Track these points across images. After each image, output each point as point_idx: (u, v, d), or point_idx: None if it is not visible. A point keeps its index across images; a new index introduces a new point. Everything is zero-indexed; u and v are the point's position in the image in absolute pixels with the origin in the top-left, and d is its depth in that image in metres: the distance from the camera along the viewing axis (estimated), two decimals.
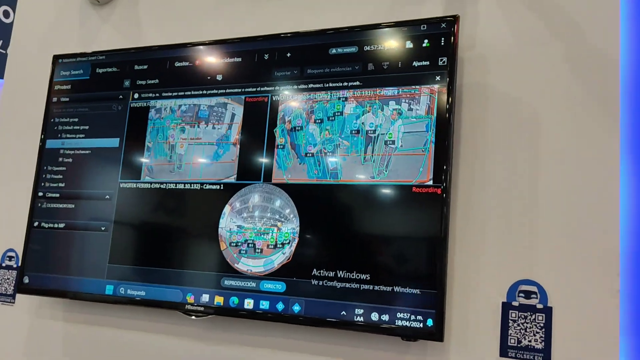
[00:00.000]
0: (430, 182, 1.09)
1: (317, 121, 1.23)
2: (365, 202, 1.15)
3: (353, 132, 1.19)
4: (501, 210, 1.14)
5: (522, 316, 1.06)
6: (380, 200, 1.14)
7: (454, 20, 1.14)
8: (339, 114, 1.21)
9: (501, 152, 1.16)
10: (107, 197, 1.40)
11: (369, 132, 1.18)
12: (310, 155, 1.22)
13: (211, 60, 1.37)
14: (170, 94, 1.41)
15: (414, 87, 1.16)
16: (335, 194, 1.18)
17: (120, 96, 1.45)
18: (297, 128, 1.25)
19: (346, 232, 1.15)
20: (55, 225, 1.44)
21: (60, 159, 1.48)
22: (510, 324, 1.06)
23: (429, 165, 1.10)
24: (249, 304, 1.20)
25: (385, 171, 1.14)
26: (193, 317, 1.27)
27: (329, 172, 1.19)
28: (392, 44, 1.19)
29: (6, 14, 1.85)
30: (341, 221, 1.16)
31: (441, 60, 1.15)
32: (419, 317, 1.06)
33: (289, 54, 1.29)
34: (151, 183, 1.37)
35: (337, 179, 1.18)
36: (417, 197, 1.10)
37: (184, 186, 1.33)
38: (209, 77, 1.37)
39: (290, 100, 1.27)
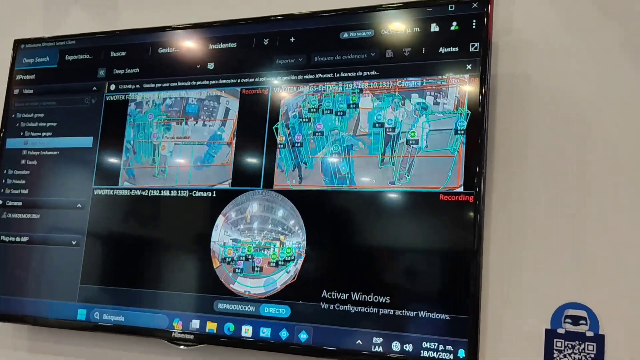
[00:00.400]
0: (461, 189, 1.09)
1: (326, 117, 1.22)
2: (383, 212, 1.14)
3: (369, 129, 1.18)
4: (544, 222, 1.13)
5: (569, 346, 1.05)
6: (401, 209, 1.13)
7: None
8: (353, 106, 1.20)
9: (544, 154, 1.15)
10: (79, 205, 1.39)
11: (388, 129, 1.17)
12: (319, 156, 1.21)
13: (201, 46, 1.37)
14: (152, 85, 1.40)
15: (440, 77, 1.15)
16: (347, 202, 1.17)
17: (94, 88, 1.44)
18: (302, 125, 1.24)
19: (361, 247, 1.15)
20: (18, 239, 1.42)
21: (23, 161, 1.46)
22: (555, 355, 1.06)
23: (459, 168, 1.09)
24: (247, 331, 1.19)
25: (407, 176, 1.13)
26: (181, 346, 1.25)
27: (341, 176, 1.18)
28: (414, 27, 1.19)
29: None
30: (355, 234, 1.16)
31: (472, 46, 1.14)
32: (449, 347, 1.05)
33: (292, 39, 1.28)
34: (131, 189, 1.36)
35: (349, 185, 1.18)
36: (445, 206, 1.09)
37: (170, 193, 1.32)
38: (198, 66, 1.36)
39: (295, 92, 1.26)
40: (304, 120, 1.25)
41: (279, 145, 1.23)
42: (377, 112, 1.19)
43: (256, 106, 1.29)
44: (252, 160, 1.27)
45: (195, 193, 1.30)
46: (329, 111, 1.23)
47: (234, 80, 1.32)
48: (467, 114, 1.11)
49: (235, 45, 1.33)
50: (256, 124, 1.28)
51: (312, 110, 1.24)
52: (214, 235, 1.26)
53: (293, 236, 1.19)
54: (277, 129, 1.25)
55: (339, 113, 1.22)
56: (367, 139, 1.18)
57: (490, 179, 1.15)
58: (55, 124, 1.45)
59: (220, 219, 1.26)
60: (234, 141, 1.29)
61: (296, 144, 1.24)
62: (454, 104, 1.13)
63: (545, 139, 1.16)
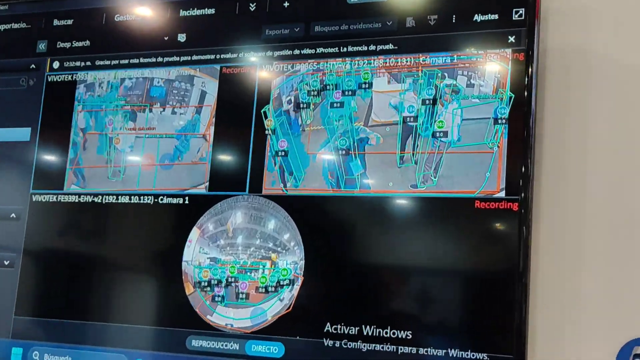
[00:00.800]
0: (502, 194, 1.06)
1: (330, 103, 1.20)
2: (403, 223, 1.12)
3: (384, 119, 1.16)
4: (608, 236, 1.09)
5: None
6: (425, 220, 1.11)
7: None
8: (365, 87, 1.17)
9: (607, 150, 1.11)
10: (13, 215, 1.35)
11: (409, 119, 1.14)
12: (321, 152, 1.19)
13: (169, 13, 1.33)
14: (107, 62, 1.36)
15: (475, 52, 1.12)
16: (358, 211, 1.15)
17: (32, 65, 1.40)
18: (299, 113, 1.22)
19: (375, 268, 1.13)
20: None
21: None
22: None
23: (500, 168, 1.06)
24: None
25: (433, 177, 1.11)
26: None
27: (350, 178, 1.16)
28: None
29: None
30: (367, 252, 1.14)
31: (516, 13, 1.10)
32: None
33: (286, 3, 1.25)
34: (80, 195, 1.32)
35: (360, 189, 1.15)
36: (482, 215, 1.06)
37: (130, 199, 1.29)
38: (166, 38, 1.33)
39: (290, 71, 1.23)
40: (303, 105, 1.21)
41: (267, 132, 1.21)
42: (395, 96, 1.16)
43: (240, 89, 1.26)
44: (235, 158, 1.25)
45: (162, 200, 1.27)
46: (334, 95, 1.20)
47: (212, 56, 1.29)
48: (510, 99, 1.08)
49: (214, 12, 1.30)
50: (240, 111, 1.25)
51: (312, 93, 1.21)
52: (186, 253, 1.23)
53: (288, 254, 1.16)
54: (268, 116, 1.22)
55: (348, 97, 1.19)
56: (383, 130, 1.15)
57: (539, 181, 1.11)
58: None
59: (195, 233, 1.23)
60: (212, 133, 1.26)
61: (293, 136, 1.20)
62: (493, 86, 1.10)
63: (609, 130, 1.12)
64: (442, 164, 1.11)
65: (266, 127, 1.21)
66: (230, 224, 1.21)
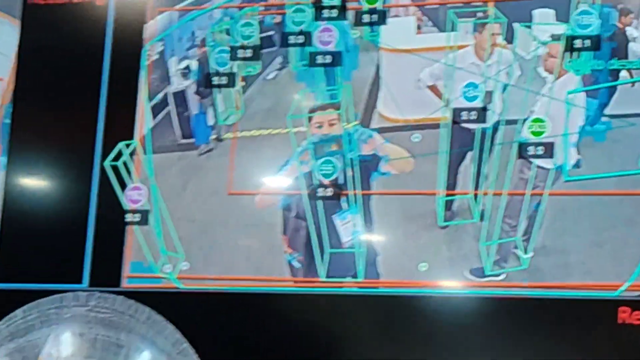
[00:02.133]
0: None
1: (313, 55, 1.02)
2: (455, 353, 0.95)
3: (409, 113, 0.98)
4: None
5: None
6: (507, 346, 0.91)
7: None
8: (371, 20, 1.04)
9: None
10: None
11: (466, 115, 0.94)
12: (268, 191, 1.06)
13: None
14: None
15: None
16: (355, 329, 0.96)
17: None
18: (211, 99, 1.04)
19: None
20: None
21: None
22: None
23: None
24: None
25: (521, 252, 0.92)
26: None
27: (338, 253, 0.97)
28: None
29: None
30: None
31: None
32: None
33: None
34: None
35: (364, 281, 0.98)
36: (635, 338, 0.87)
37: None
38: None
39: (186, 2, 1.08)
40: (218, 82, 1.01)
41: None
42: (433, 62, 0.98)
43: (70, 41, 1.07)
44: (58, 199, 1.07)
45: None
46: (297, 59, 1.03)
47: None
48: None
49: None
50: (71, 91, 1.05)
51: (242, 53, 1.01)
52: None
53: None
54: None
55: (319, 62, 1.00)
56: (405, 140, 0.95)
57: None
58: None
59: None
60: (6, 145, 1.12)
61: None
62: None
63: None
64: (543, 221, 0.92)
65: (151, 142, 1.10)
66: None
